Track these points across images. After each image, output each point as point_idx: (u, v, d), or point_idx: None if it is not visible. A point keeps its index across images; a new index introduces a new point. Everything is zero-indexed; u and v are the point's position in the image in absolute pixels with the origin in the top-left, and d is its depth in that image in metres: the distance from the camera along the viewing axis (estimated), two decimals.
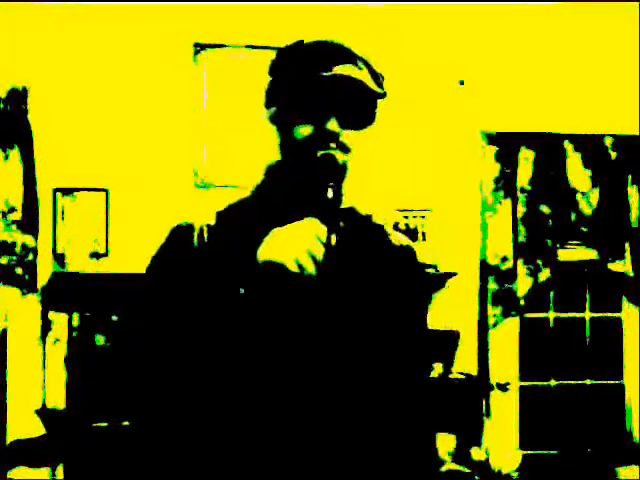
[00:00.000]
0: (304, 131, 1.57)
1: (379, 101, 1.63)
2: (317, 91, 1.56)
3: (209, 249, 1.57)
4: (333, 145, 1.56)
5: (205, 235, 1.59)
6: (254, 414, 1.52)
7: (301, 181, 1.57)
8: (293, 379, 1.53)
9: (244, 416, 1.52)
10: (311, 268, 1.44)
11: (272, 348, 1.52)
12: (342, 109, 1.56)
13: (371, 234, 1.70)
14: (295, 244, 1.45)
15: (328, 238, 1.47)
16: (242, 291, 1.46)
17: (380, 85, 1.62)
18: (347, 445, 1.54)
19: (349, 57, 1.57)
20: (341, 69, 1.55)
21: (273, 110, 1.63)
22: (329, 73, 1.55)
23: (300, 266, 1.44)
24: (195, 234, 1.59)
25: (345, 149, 1.57)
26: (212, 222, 1.62)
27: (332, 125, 1.55)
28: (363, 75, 1.57)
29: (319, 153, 1.54)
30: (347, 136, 1.57)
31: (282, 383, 1.52)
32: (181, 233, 1.61)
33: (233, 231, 1.58)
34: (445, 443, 4.24)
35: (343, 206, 1.63)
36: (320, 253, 1.45)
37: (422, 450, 1.67)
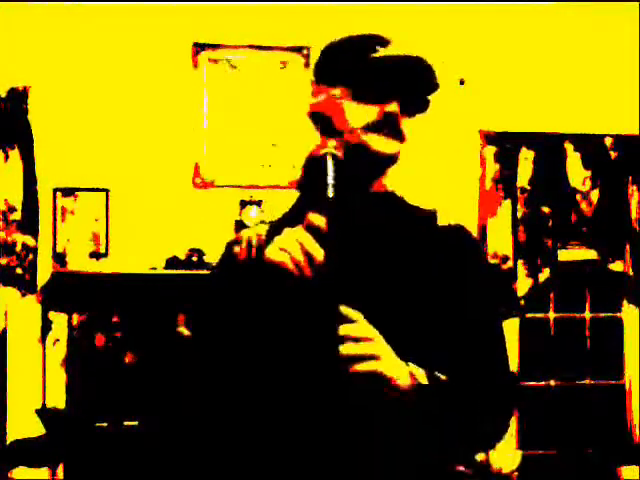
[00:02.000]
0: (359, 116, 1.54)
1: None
2: (377, 73, 1.55)
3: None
4: (334, 143, 1.55)
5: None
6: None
7: (309, 180, 1.57)
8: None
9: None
10: (306, 267, 1.44)
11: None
12: (402, 92, 1.56)
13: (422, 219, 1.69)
14: (294, 244, 1.45)
15: (329, 237, 1.47)
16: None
17: (433, 76, 1.63)
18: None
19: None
20: (396, 49, 1.55)
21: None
22: (385, 54, 1.55)
23: (298, 265, 1.45)
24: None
25: (401, 137, 1.57)
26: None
27: (392, 107, 1.55)
28: (418, 60, 1.60)
29: (321, 151, 1.54)
30: (403, 123, 1.57)
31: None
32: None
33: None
34: None
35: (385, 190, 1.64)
36: (318, 252, 1.45)
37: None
